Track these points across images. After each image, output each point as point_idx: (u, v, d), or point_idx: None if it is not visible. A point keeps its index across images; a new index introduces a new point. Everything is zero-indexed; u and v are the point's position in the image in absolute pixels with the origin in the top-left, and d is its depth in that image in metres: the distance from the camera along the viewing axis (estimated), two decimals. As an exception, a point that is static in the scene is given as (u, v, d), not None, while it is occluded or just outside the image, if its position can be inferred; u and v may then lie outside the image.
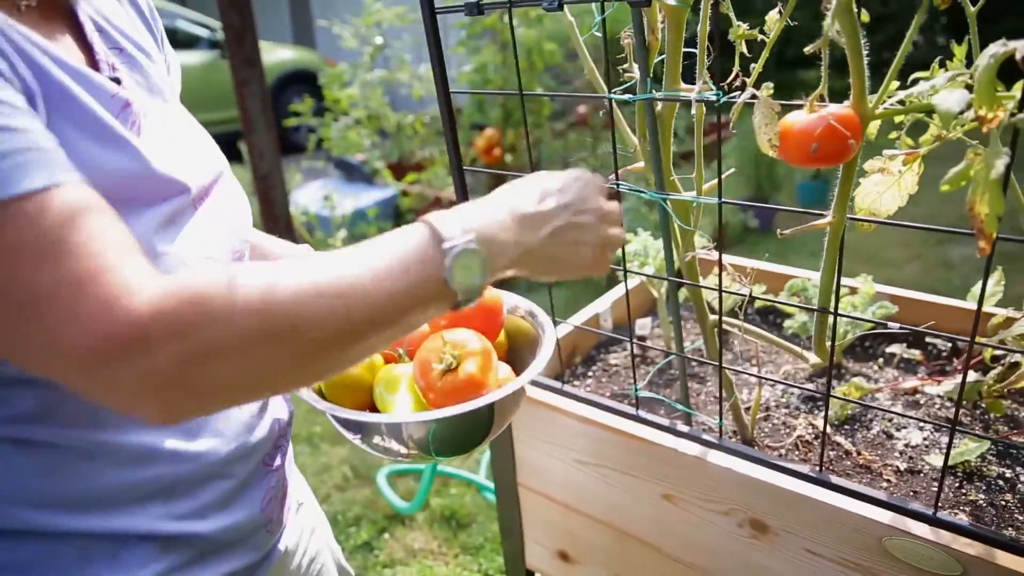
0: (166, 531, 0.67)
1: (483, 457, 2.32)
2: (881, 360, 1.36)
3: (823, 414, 1.19)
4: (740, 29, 0.74)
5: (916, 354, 1.33)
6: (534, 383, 1.20)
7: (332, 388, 0.80)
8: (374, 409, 0.82)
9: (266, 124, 2.89)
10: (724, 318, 1.03)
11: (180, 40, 6.58)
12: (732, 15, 0.74)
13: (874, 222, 0.76)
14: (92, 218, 0.49)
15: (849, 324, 1.33)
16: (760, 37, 0.72)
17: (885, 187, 0.78)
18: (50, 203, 0.48)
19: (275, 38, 8.71)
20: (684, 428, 1.02)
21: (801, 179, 4.47)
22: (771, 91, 0.69)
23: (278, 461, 0.79)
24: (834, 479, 0.90)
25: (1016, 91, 0.60)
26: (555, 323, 0.93)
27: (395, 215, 4.29)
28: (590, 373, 1.39)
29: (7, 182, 0.47)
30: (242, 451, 0.73)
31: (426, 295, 0.56)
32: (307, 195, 4.44)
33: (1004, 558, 0.79)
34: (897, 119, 0.83)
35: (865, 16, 1.04)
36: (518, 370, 0.83)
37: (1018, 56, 0.59)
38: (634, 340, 1.10)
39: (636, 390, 1.06)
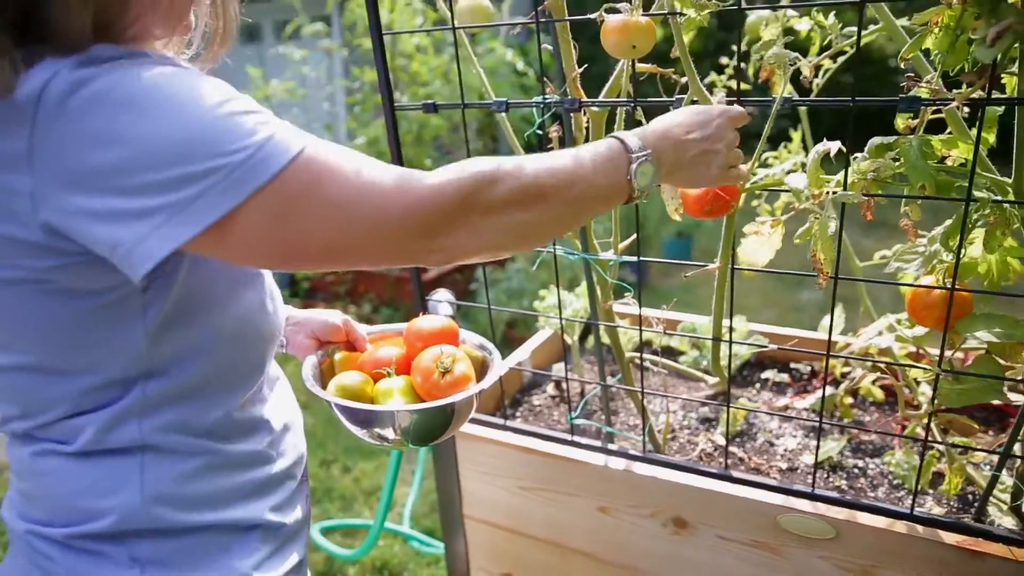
0: (265, 520, 0.83)
1: (404, 511, 2.42)
2: (758, 385, 1.64)
3: (720, 430, 1.44)
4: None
5: (785, 378, 1.62)
6: (479, 422, 1.37)
7: (345, 396, 0.96)
8: None
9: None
10: (636, 354, 1.26)
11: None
12: (643, 119, 0.99)
13: (752, 270, 1.01)
14: (356, 153, 0.70)
15: (734, 356, 1.61)
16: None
17: (760, 244, 1.04)
18: (324, 146, 0.67)
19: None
20: (612, 447, 1.23)
21: (667, 237, 4.95)
22: None
23: (307, 475, 0.97)
24: (735, 474, 1.13)
25: (837, 176, 0.88)
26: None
27: (290, 282, 4.34)
28: (517, 413, 1.57)
29: (294, 141, 0.66)
30: (299, 459, 0.91)
31: (617, 186, 0.80)
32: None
33: (864, 518, 1.04)
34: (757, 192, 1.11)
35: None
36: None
37: (831, 154, 0.86)
38: (562, 377, 1.30)
39: (572, 418, 1.26)
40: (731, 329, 1.04)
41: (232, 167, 0.62)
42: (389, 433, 0.96)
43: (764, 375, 1.64)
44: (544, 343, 1.74)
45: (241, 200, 0.63)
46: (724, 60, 1.59)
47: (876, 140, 0.87)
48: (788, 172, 0.90)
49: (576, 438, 1.27)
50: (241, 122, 0.63)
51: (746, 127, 0.90)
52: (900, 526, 1.03)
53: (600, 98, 1.01)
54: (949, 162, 0.89)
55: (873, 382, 1.32)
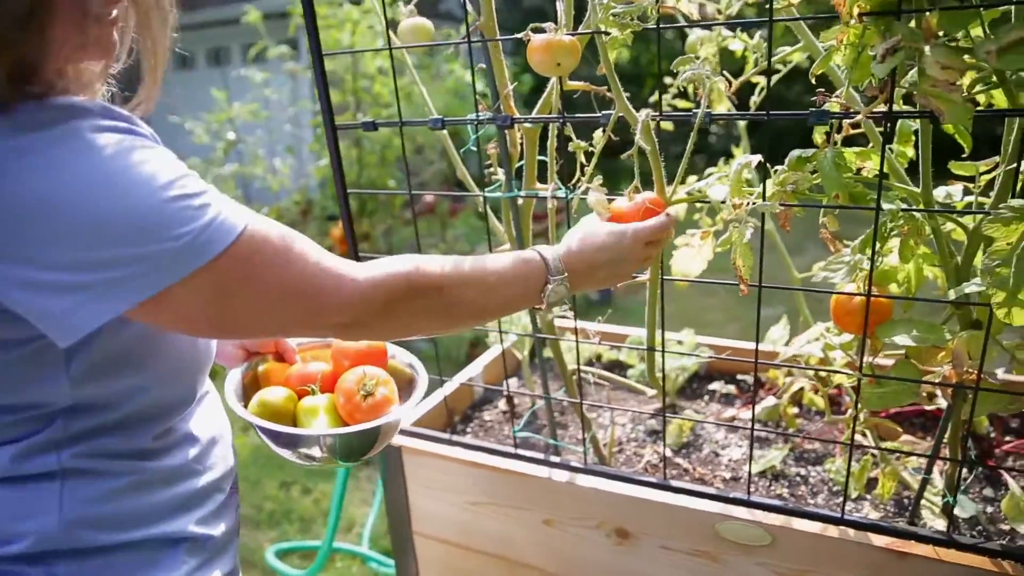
0: (191, 533, 0.82)
1: (364, 531, 2.40)
2: (707, 397, 1.66)
3: (664, 439, 1.46)
4: (579, 144, 1.01)
5: (732, 389, 1.65)
6: (425, 437, 1.37)
7: (265, 415, 0.96)
8: None
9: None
10: (582, 367, 1.27)
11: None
12: (572, 135, 1.01)
13: (682, 280, 1.03)
14: (296, 237, 0.73)
15: (679, 368, 1.63)
16: (591, 149, 0.99)
17: (692, 256, 1.07)
18: (264, 231, 0.70)
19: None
20: (555, 459, 1.24)
21: (632, 255, 5.00)
22: (602, 183, 0.96)
23: (237, 485, 0.96)
24: (674, 483, 1.15)
25: (757, 188, 0.91)
26: (442, 382, 1.12)
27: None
28: (468, 430, 1.58)
29: (237, 222, 0.67)
30: (227, 471, 0.90)
31: (529, 300, 0.88)
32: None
33: (798, 523, 1.06)
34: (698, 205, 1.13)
35: (670, 126, 1.37)
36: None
37: (752, 165, 0.89)
38: (509, 392, 1.31)
39: (516, 431, 1.26)
40: (663, 340, 1.06)
41: (173, 251, 0.63)
42: (315, 452, 0.96)
43: (712, 387, 1.67)
44: (496, 359, 1.75)
45: (176, 280, 0.64)
46: (668, 80, 1.63)
47: (796, 153, 0.90)
48: (710, 185, 0.93)
49: (521, 451, 1.28)
50: (186, 206, 0.65)
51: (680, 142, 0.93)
52: (833, 531, 1.05)
53: (531, 115, 1.03)
54: (865, 173, 0.93)
55: (810, 391, 1.35)
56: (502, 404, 1.68)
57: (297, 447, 0.96)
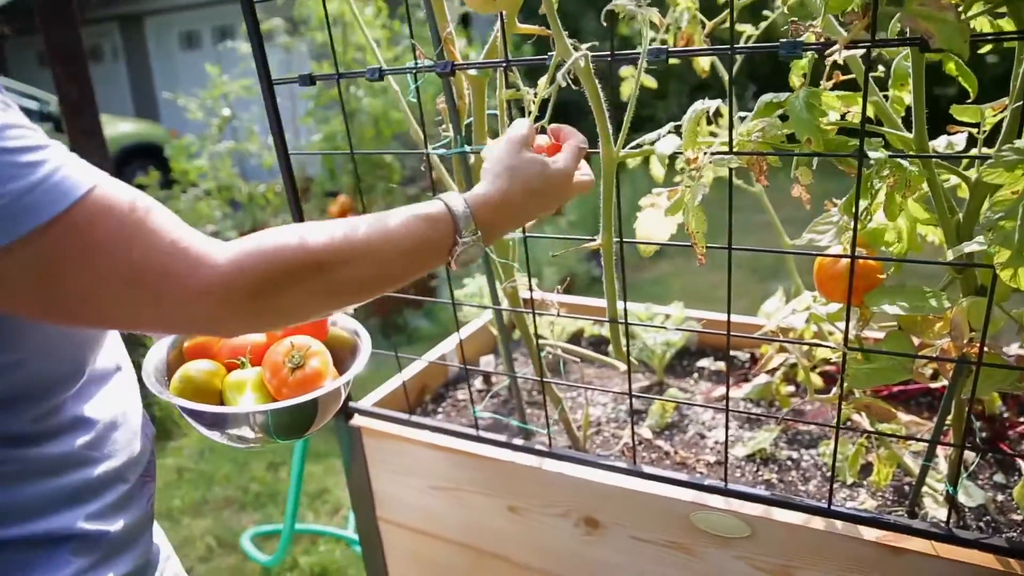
0: (79, 530, 0.73)
1: (350, 513, 2.33)
2: (696, 375, 1.55)
3: (648, 422, 1.36)
4: (528, 94, 0.90)
5: (723, 366, 1.54)
6: (383, 417, 1.28)
7: (186, 394, 0.87)
8: None
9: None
10: (552, 343, 1.17)
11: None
12: (519, 83, 0.90)
13: (640, 243, 0.92)
14: (152, 208, 0.62)
15: (665, 344, 1.52)
16: (533, 98, 0.88)
17: (657, 219, 0.95)
18: (112, 197, 0.59)
19: (115, 111, 8.40)
20: (518, 442, 1.14)
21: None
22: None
23: (150, 472, 0.87)
24: (645, 468, 1.04)
25: (717, 139, 0.79)
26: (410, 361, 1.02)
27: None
28: (440, 409, 1.48)
29: (78, 183, 0.57)
30: (132, 458, 0.81)
31: (434, 263, 0.75)
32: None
33: (780, 514, 0.96)
34: (678, 165, 1.02)
35: (651, 83, 1.25)
36: (340, 372, 0.94)
37: (710, 112, 0.78)
38: (467, 367, 1.21)
39: (476, 412, 1.17)
40: (626, 312, 0.95)
41: None
42: (246, 432, 0.87)
43: (701, 363, 1.56)
44: (473, 335, 1.65)
45: None
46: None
47: (766, 97, 0.79)
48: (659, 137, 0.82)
49: (483, 433, 1.18)
50: (10, 162, 0.55)
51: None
52: (817, 522, 0.94)
53: (477, 60, 0.92)
54: (850, 118, 0.81)
55: (794, 367, 1.23)
56: (479, 383, 1.59)
57: (223, 427, 0.87)
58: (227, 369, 0.93)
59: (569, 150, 0.80)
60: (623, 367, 1.11)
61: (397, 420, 1.26)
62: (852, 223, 0.83)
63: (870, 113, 0.83)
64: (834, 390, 0.93)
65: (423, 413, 1.48)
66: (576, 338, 1.71)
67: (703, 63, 1.29)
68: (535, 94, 0.87)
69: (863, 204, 0.81)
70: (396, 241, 0.70)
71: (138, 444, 0.83)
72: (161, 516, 2.45)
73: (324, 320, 0.98)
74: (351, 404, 1.32)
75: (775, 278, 4.27)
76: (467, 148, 0.98)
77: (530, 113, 0.88)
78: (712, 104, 0.77)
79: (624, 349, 0.97)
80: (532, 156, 0.79)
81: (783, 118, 0.78)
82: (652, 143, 0.82)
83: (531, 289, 1.01)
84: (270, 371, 0.87)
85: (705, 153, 0.75)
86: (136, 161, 6.93)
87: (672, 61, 1.49)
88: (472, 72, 0.94)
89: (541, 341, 1.19)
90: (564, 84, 0.80)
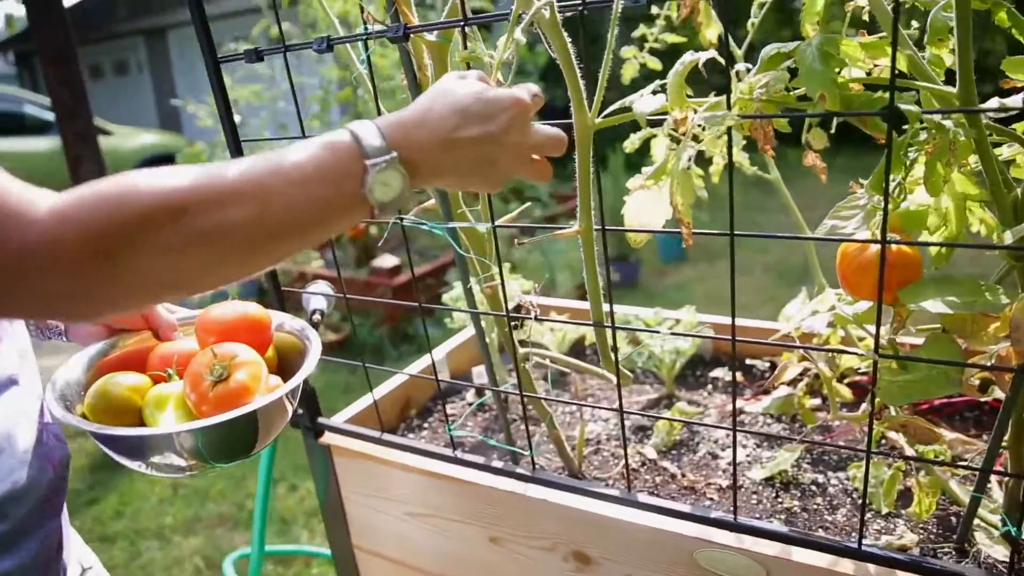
0: None
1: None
2: (710, 387, 1.39)
3: (653, 440, 1.21)
4: (470, 54, 0.76)
5: (739, 377, 1.38)
6: (352, 435, 1.15)
7: (100, 414, 0.75)
8: None
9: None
10: (533, 350, 1.03)
11: (29, 126, 6.26)
12: (480, 45, 0.76)
13: (627, 231, 0.78)
14: None
15: (674, 352, 1.37)
16: (502, 59, 0.74)
17: (650, 202, 0.81)
18: None
19: (141, 123, 8.47)
20: (498, 464, 1.00)
21: (662, 235, 4.70)
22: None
23: (54, 506, 0.74)
24: (642, 497, 0.90)
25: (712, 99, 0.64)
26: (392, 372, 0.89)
27: (259, 291, 4.16)
28: (426, 425, 1.35)
29: None
30: (14, 491, 0.68)
31: (345, 206, 0.58)
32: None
33: (799, 554, 0.80)
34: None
35: (655, 63, 1.10)
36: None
37: (700, 64, 0.64)
38: (440, 381, 1.08)
39: (450, 430, 1.03)
40: (611, 313, 0.80)
41: None
42: (173, 459, 0.74)
43: (715, 373, 1.40)
44: (463, 344, 1.52)
45: None
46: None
47: (771, 48, 0.64)
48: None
49: (462, 454, 1.04)
50: None
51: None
52: (846, 565, 0.79)
53: (430, 23, 0.78)
54: (876, 74, 0.66)
55: (819, 377, 1.07)
56: (470, 395, 1.45)
57: (143, 455, 0.74)
58: (154, 383, 0.80)
59: (522, 94, 0.65)
60: (625, 378, 0.97)
61: (368, 438, 1.13)
62: (882, 203, 0.68)
63: (901, 67, 0.68)
64: (863, 406, 0.78)
65: (407, 429, 1.34)
66: (579, 346, 1.57)
67: (709, 35, 1.15)
68: (493, 57, 0.73)
69: (896, 179, 0.66)
70: (286, 172, 0.55)
71: (24, 474, 0.70)
72: (152, 534, 2.35)
73: (265, 324, 0.85)
74: (321, 420, 1.19)
75: (802, 282, 4.08)
76: (426, 125, 0.84)
77: (497, 81, 0.75)
78: (704, 56, 0.63)
79: (612, 356, 0.82)
80: (469, 80, 0.65)
81: (793, 73, 0.63)
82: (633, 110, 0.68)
83: (503, 287, 0.87)
84: (190, 385, 0.74)
85: (696, 112, 0.61)
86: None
87: (674, 39, 1.35)
88: (431, 38, 0.81)
89: (535, 350, 1.05)
90: (524, 41, 0.67)
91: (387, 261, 3.86)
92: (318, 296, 1.11)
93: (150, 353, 0.83)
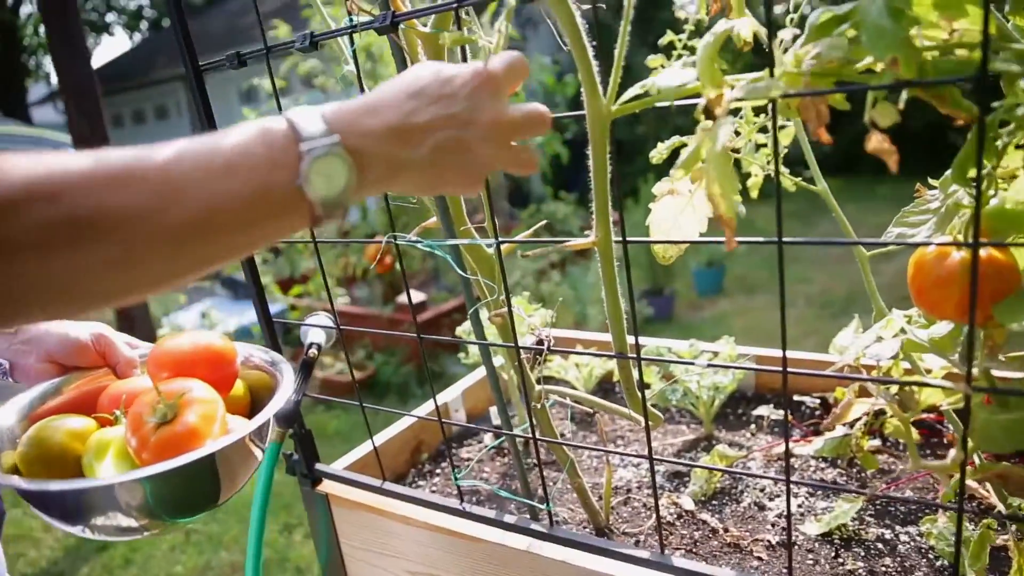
0: None
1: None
2: (753, 426, 1.25)
3: (690, 489, 1.06)
4: (458, 35, 0.66)
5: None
6: (351, 482, 1.03)
7: (32, 465, 0.64)
8: None
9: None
10: (550, 387, 0.90)
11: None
12: (474, 26, 0.66)
13: (652, 242, 0.66)
14: None
15: (712, 388, 1.23)
16: (488, 42, 0.64)
17: (679, 210, 0.69)
18: None
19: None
20: (512, 518, 0.87)
21: (696, 266, 4.54)
22: None
23: None
24: (678, 560, 0.76)
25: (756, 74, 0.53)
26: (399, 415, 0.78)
27: (284, 329, 4.11)
28: (439, 470, 1.22)
29: None
30: None
31: (276, 203, 0.47)
32: (189, 316, 4.22)
33: (872, 636, 0.66)
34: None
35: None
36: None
37: (735, 35, 0.52)
38: (442, 420, 0.96)
39: (456, 478, 0.90)
40: (637, 344, 0.68)
41: None
42: (118, 519, 0.62)
43: (759, 411, 1.25)
44: (483, 380, 1.40)
45: None
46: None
47: (822, 10, 0.52)
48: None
49: (469, 507, 0.91)
50: None
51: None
52: (932, 647, 0.64)
53: (420, 8, 0.68)
54: (958, 41, 0.54)
55: (881, 415, 0.92)
56: (488, 438, 1.32)
57: (78, 516, 0.63)
58: (101, 427, 0.70)
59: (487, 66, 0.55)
60: (655, 419, 0.83)
61: (368, 487, 1.01)
62: (966, 199, 0.56)
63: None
64: (951, 453, 0.64)
65: (418, 476, 1.22)
66: (606, 383, 1.44)
67: (744, 33, 1.04)
68: (491, 42, 0.63)
69: (985, 169, 0.53)
70: (206, 159, 0.44)
71: None
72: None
73: (228, 357, 0.74)
74: (319, 467, 1.07)
75: (848, 313, 3.87)
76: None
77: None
78: (740, 23, 0.52)
79: (638, 393, 0.69)
80: (430, 63, 0.55)
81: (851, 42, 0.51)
82: (656, 91, 0.56)
83: (511, 313, 0.76)
84: (130, 427, 0.64)
85: (733, 88, 0.50)
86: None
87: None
88: (424, 29, 0.71)
89: (551, 387, 0.92)
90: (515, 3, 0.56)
91: (412, 297, 3.78)
92: (316, 329, 1.00)
93: (108, 392, 0.73)
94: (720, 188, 0.47)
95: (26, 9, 14.04)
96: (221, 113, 0.87)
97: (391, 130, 0.51)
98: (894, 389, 0.74)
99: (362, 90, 0.77)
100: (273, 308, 4.27)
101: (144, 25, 19.06)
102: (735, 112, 0.83)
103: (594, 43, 0.58)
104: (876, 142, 0.49)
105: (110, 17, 18.79)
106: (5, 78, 13.40)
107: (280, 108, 0.88)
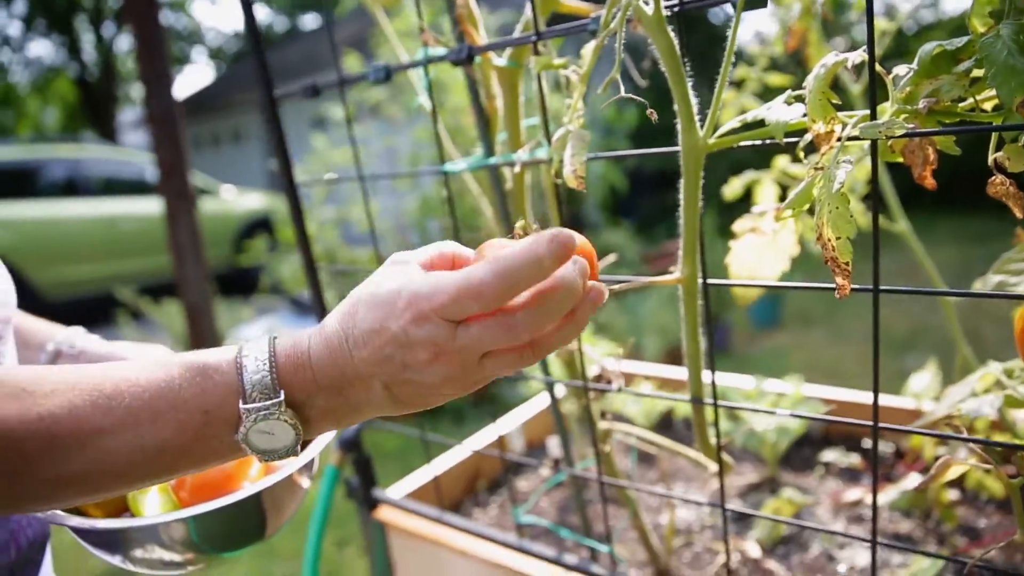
0: None
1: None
2: (820, 471, 1.20)
3: (756, 534, 1.03)
4: (569, 67, 0.66)
5: (856, 460, 1.18)
6: (410, 511, 1.02)
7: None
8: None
9: (195, 256, 2.85)
10: (615, 424, 0.88)
11: (151, 188, 6.64)
12: (555, 60, 0.66)
13: (735, 284, 0.63)
14: None
15: (778, 431, 1.18)
16: (575, 70, 0.63)
17: (761, 249, 0.67)
18: None
19: (249, 185, 8.94)
20: (571, 559, 0.85)
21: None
22: (583, 125, 0.59)
23: None
24: (746, 614, 0.72)
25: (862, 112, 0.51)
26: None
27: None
28: (494, 500, 1.21)
29: None
30: None
31: (208, 454, 0.46)
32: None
33: None
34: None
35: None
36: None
37: (849, 64, 0.50)
38: (510, 452, 0.94)
39: (518, 515, 0.89)
40: (715, 390, 0.66)
41: None
42: (161, 552, 0.63)
43: (827, 457, 1.20)
44: (544, 410, 1.38)
45: None
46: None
47: (930, 47, 0.50)
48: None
49: (527, 543, 0.90)
50: None
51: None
52: None
53: (498, 40, 0.68)
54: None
55: (977, 468, 0.87)
56: (546, 469, 1.30)
57: (120, 548, 0.63)
58: None
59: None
60: (727, 467, 0.80)
61: (426, 516, 1.00)
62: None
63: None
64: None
65: (474, 504, 1.21)
66: (666, 418, 1.41)
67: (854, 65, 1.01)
68: (576, 68, 0.62)
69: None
70: (126, 407, 0.43)
71: None
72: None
73: (238, 473, 0.74)
74: (376, 493, 1.07)
75: (909, 352, 3.71)
76: (490, 161, 0.74)
77: (570, 108, 0.63)
78: (853, 56, 0.50)
79: (712, 441, 0.67)
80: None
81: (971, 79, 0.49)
82: (756, 122, 0.54)
83: (580, 352, 0.74)
84: None
85: (845, 127, 0.48)
86: (263, 231, 7.21)
87: (779, 80, 1.21)
88: (499, 62, 0.71)
89: (617, 424, 0.90)
90: (623, 33, 0.55)
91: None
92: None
93: None
94: (836, 231, 0.45)
95: (121, 43, 14.98)
96: (295, 138, 0.89)
97: (340, 380, 0.45)
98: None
99: (435, 122, 0.77)
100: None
101: (228, 53, 20.05)
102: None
103: (691, 75, 0.57)
104: (999, 187, 0.46)
105: (197, 50, 19.85)
106: (102, 105, 14.33)
107: (352, 139, 0.90)
